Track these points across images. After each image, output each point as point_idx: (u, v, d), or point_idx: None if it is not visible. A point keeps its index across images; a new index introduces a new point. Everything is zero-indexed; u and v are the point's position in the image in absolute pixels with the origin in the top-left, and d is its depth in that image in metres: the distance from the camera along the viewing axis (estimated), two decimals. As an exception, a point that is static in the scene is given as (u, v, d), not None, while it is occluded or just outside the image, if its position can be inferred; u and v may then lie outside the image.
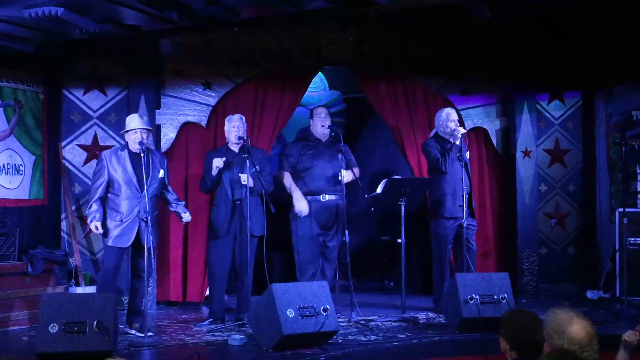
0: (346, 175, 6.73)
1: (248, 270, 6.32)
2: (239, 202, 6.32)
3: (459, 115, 7.42)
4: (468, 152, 7.05)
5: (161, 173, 6.05)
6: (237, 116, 6.52)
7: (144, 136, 5.94)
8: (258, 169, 6.25)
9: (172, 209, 6.23)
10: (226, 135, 6.52)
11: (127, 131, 5.98)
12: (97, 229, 5.89)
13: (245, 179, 6.22)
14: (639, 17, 7.08)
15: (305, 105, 8.68)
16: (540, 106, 8.11)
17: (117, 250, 5.96)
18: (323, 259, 6.85)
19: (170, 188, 6.25)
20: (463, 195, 6.70)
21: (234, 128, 6.41)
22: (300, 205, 6.73)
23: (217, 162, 6.26)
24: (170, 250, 7.35)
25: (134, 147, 5.95)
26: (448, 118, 6.94)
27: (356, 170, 6.91)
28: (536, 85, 8.04)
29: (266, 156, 6.76)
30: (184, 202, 6.33)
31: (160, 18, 5.58)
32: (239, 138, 6.35)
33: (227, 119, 6.59)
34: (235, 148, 6.43)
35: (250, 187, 6.21)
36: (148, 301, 6.52)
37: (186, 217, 6.17)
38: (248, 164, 6.20)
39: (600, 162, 8.15)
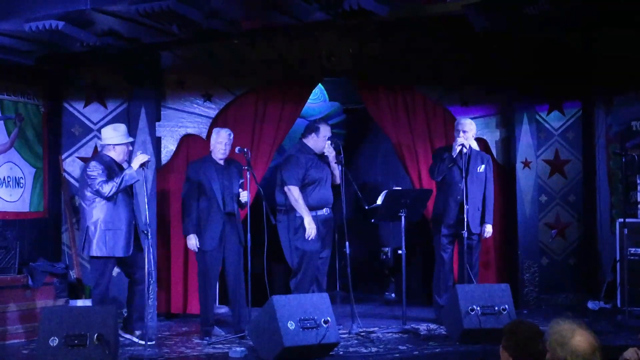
0: (337, 175, 6.68)
1: (242, 282, 6.33)
2: (230, 214, 6.33)
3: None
4: (482, 166, 7.01)
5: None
6: (225, 132, 6.44)
7: (130, 148, 6.17)
8: (242, 182, 6.32)
9: None
10: (211, 147, 6.48)
11: (118, 144, 6.05)
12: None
13: (245, 195, 6.27)
14: (638, 28, 7.09)
15: (305, 117, 8.69)
16: (540, 117, 8.11)
17: (114, 261, 5.97)
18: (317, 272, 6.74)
19: None
20: (464, 207, 6.68)
21: (220, 144, 6.37)
22: (312, 227, 6.49)
23: (192, 245, 6.31)
24: (172, 261, 7.34)
25: (122, 158, 6.04)
26: (456, 128, 6.98)
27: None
28: (536, 96, 8.04)
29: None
30: None
31: (161, 31, 5.60)
32: (240, 150, 6.32)
33: (215, 130, 6.57)
34: (220, 160, 6.42)
35: (242, 201, 6.29)
36: (149, 313, 6.52)
37: None
38: (248, 177, 6.20)
39: (600, 172, 8.14)
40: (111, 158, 6.04)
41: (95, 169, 5.90)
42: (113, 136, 6.05)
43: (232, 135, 6.46)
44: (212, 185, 6.31)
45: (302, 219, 6.56)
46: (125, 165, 6.03)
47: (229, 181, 6.33)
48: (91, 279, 6.13)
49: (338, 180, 6.67)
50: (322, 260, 6.76)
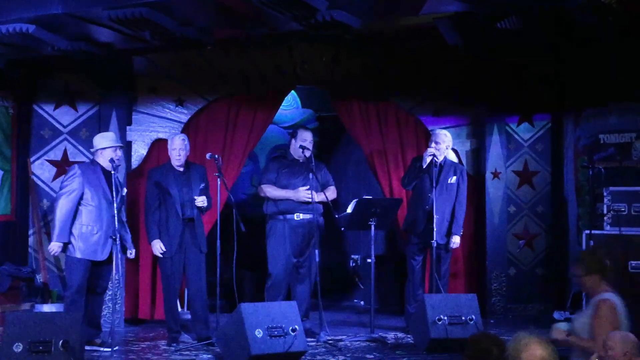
0: (317, 197, 6.72)
1: (202, 289, 6.34)
2: (189, 220, 6.32)
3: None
4: (454, 177, 7.05)
5: (124, 191, 6.23)
6: (179, 138, 6.43)
7: (118, 153, 6.11)
8: (203, 186, 6.34)
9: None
10: (169, 153, 6.47)
11: (104, 148, 6.03)
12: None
13: (202, 200, 6.28)
14: (606, 44, 7.21)
15: (277, 123, 8.70)
16: (510, 128, 8.19)
17: (88, 264, 5.94)
18: (297, 281, 6.73)
19: (124, 208, 6.30)
20: (433, 217, 6.72)
21: (175, 151, 6.36)
22: (303, 194, 6.59)
23: (157, 249, 6.29)
24: (140, 267, 7.30)
25: (106, 164, 6.01)
26: (430, 138, 7.03)
27: (332, 189, 6.87)
28: (506, 107, 8.13)
29: (206, 173, 6.62)
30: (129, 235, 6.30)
31: (134, 37, 5.59)
32: (210, 156, 6.34)
33: (169, 137, 6.61)
34: (179, 167, 6.41)
35: (202, 207, 6.31)
36: (116, 318, 6.49)
37: (130, 254, 6.25)
38: (219, 184, 6.21)
39: (568, 184, 8.24)
40: (99, 164, 6.06)
41: (71, 174, 5.98)
42: (100, 142, 6.10)
43: (186, 141, 6.45)
44: (170, 191, 6.30)
45: (272, 224, 6.66)
46: (110, 169, 5.98)
47: (188, 187, 6.33)
48: (65, 278, 6.20)
49: (326, 196, 6.70)
50: (304, 269, 6.71)
